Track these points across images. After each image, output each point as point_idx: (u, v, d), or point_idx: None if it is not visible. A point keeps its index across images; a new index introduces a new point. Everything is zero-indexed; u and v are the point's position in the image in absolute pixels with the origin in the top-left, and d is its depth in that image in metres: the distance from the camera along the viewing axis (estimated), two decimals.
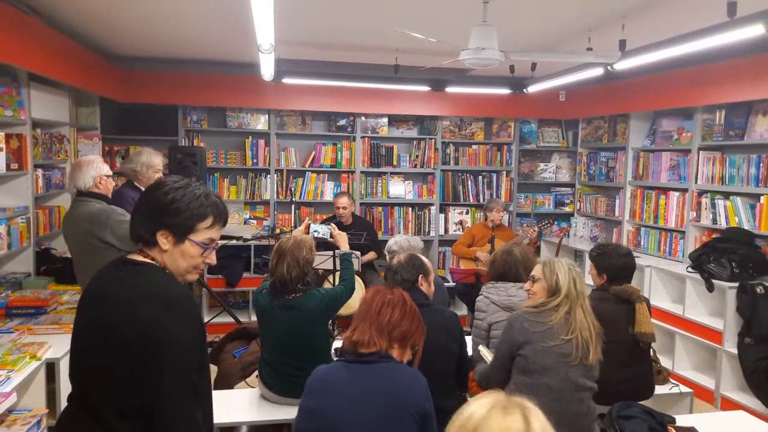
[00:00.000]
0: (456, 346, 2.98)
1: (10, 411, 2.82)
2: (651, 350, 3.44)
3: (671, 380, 3.65)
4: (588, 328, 2.70)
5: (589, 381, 2.69)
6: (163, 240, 1.70)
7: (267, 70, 5.04)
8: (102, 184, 3.47)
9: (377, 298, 2.27)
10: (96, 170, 3.46)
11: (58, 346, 3.18)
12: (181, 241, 1.72)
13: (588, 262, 3.65)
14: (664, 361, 4.83)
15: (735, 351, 4.43)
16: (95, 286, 1.73)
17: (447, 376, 2.98)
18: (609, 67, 4.37)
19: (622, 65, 4.31)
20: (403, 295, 2.32)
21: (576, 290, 2.75)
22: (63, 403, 3.10)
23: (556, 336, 2.66)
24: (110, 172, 3.58)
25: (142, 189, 4.42)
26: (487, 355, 3.06)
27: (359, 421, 2.05)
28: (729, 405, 4.47)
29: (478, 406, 1.28)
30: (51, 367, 3.08)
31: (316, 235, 4.04)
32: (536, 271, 2.91)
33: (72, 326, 1.78)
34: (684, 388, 3.60)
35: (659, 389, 3.49)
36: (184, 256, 1.74)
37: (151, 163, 4.36)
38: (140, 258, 1.73)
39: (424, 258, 3.23)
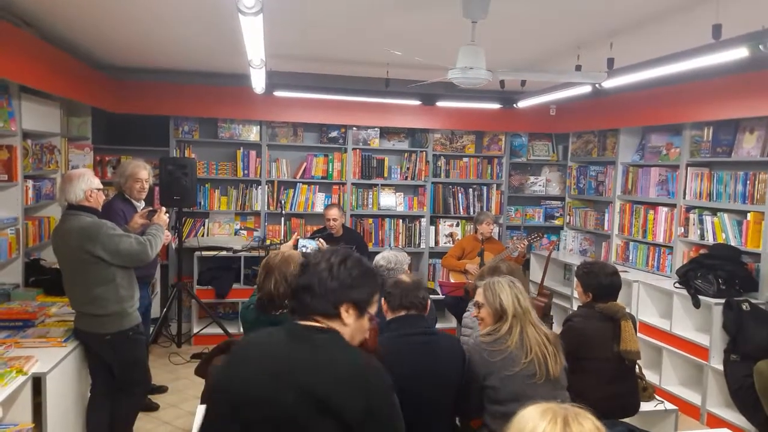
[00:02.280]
0: (457, 376, 2.78)
1: None
2: (637, 367, 3.46)
3: (657, 397, 3.68)
4: (542, 342, 2.69)
5: (560, 393, 2.68)
6: (346, 314, 1.70)
7: (258, 83, 5.06)
8: (92, 198, 3.47)
9: None
10: (87, 183, 3.46)
11: (44, 360, 3.17)
12: (363, 316, 1.74)
13: (575, 279, 3.67)
14: (651, 376, 4.87)
15: (721, 367, 4.46)
16: (267, 353, 1.69)
17: (445, 408, 2.80)
18: (597, 85, 4.42)
19: (610, 83, 4.36)
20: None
21: (521, 307, 2.74)
22: (49, 417, 3.11)
23: (517, 361, 2.64)
24: (101, 186, 3.57)
25: (132, 200, 4.44)
26: None
27: None
28: (715, 421, 4.49)
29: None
30: (37, 382, 3.06)
31: (304, 250, 4.05)
32: (478, 296, 2.89)
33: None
34: (669, 405, 3.63)
35: (644, 406, 3.51)
36: (361, 330, 1.75)
37: (132, 172, 4.38)
38: (320, 324, 1.70)
39: None
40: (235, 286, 6.24)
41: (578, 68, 4.23)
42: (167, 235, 4.80)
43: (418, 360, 2.65)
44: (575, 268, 3.69)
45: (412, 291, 2.80)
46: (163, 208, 3.92)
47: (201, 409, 3.27)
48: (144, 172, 4.42)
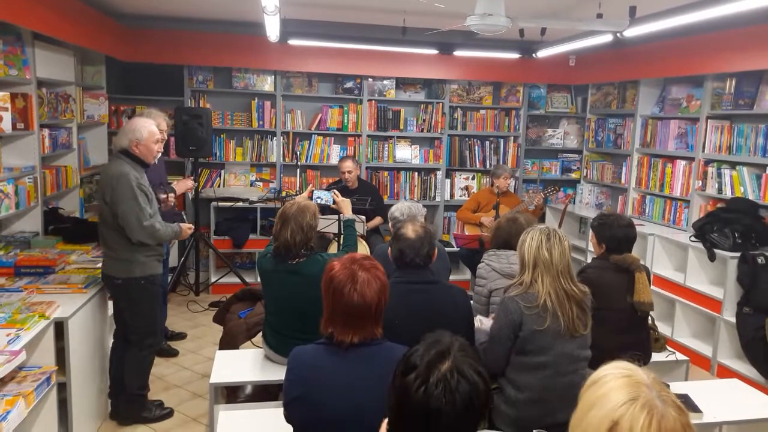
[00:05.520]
0: (461, 327, 2.80)
1: (20, 368, 2.89)
2: (649, 318, 3.48)
3: (668, 348, 3.70)
4: (571, 297, 2.63)
5: (583, 351, 2.68)
6: None
7: (272, 31, 4.99)
8: (137, 149, 3.50)
9: (347, 282, 2.05)
10: (135, 134, 3.49)
11: (66, 305, 3.24)
12: None
13: (590, 231, 3.66)
14: (664, 328, 4.90)
15: (733, 320, 4.48)
16: None
17: None
18: (618, 35, 4.31)
19: (632, 32, 4.25)
20: (372, 261, 2.17)
21: (550, 257, 2.66)
22: (72, 361, 3.20)
23: (545, 317, 2.59)
24: (154, 138, 3.55)
25: None
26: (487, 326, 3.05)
27: (358, 409, 1.97)
28: (725, 372, 4.53)
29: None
30: (59, 326, 3.14)
31: (319, 201, 4.06)
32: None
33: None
34: (680, 356, 3.65)
35: (656, 356, 3.54)
36: None
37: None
38: None
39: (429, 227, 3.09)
40: (251, 236, 6.31)
41: (599, 16, 4.13)
42: (188, 184, 4.84)
43: (414, 305, 2.74)
44: (590, 221, 3.67)
45: (421, 247, 2.85)
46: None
47: (219, 355, 3.36)
48: (164, 123, 4.43)
